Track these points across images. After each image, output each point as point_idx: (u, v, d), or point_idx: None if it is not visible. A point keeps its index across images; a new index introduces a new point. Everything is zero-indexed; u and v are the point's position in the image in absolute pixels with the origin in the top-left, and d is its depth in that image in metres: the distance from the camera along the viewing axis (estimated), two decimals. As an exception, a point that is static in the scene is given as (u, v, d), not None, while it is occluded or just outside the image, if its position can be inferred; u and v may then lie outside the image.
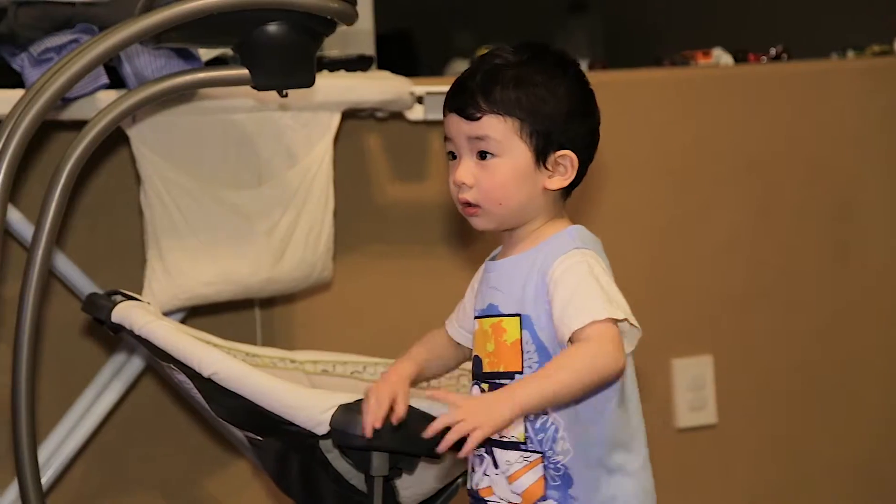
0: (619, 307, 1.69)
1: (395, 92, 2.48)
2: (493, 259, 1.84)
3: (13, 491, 2.29)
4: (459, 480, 2.02)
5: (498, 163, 1.75)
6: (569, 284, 1.70)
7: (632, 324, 1.70)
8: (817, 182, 3.01)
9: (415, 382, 1.89)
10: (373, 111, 2.58)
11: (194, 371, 1.95)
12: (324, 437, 1.87)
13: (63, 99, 2.11)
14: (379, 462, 1.86)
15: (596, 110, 1.81)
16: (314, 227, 2.43)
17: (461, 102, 1.76)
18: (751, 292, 2.97)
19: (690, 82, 2.95)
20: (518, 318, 1.75)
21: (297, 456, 1.96)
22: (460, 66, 3.11)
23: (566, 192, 1.80)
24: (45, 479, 2.33)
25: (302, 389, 1.95)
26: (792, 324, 3.00)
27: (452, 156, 1.79)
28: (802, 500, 3.03)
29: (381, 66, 2.66)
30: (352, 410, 1.85)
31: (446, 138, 1.79)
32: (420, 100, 2.55)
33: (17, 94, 2.05)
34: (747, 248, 2.97)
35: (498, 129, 1.74)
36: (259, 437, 2.00)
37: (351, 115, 2.54)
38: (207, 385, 1.95)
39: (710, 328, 2.95)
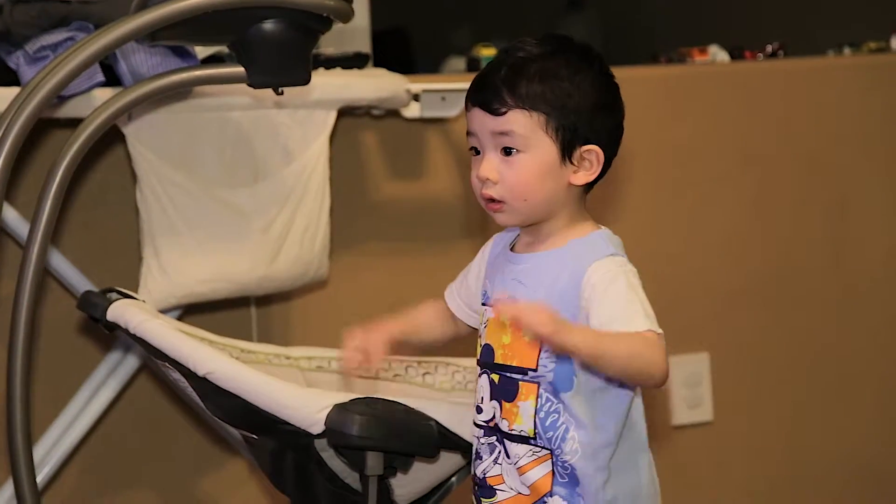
0: (655, 324, 1.69)
1: (392, 89, 2.48)
2: (513, 248, 1.82)
3: (8, 489, 2.28)
4: (454, 479, 2.02)
5: (523, 158, 1.73)
6: (611, 299, 1.69)
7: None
8: (814, 179, 3.01)
9: (397, 345, 1.88)
10: (369, 109, 2.57)
11: (189, 370, 1.95)
12: (319, 436, 1.87)
13: (59, 97, 2.11)
14: (373, 461, 1.86)
15: (621, 105, 1.79)
16: (310, 225, 2.43)
17: (486, 97, 1.74)
18: (747, 289, 2.97)
19: (687, 79, 2.95)
20: None
21: (293, 454, 1.96)
22: (457, 63, 3.11)
23: (587, 188, 1.79)
24: (41, 477, 2.33)
25: (297, 389, 1.95)
26: (788, 321, 3.00)
27: (476, 151, 1.77)
28: (799, 496, 3.03)
29: (377, 64, 2.66)
30: (347, 410, 1.85)
31: (469, 133, 1.77)
32: (416, 97, 2.55)
33: (13, 91, 2.05)
34: (743, 246, 2.97)
35: (523, 124, 1.72)
36: (254, 436, 2.00)
37: (347, 113, 2.54)
38: (203, 384, 1.95)
39: (706, 326, 2.95)
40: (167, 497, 2.59)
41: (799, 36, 3.38)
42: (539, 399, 1.73)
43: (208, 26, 2.01)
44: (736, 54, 3.02)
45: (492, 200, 1.75)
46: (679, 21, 4.52)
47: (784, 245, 2.99)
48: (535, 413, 1.73)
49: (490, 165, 1.74)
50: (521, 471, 1.75)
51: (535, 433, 1.74)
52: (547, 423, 1.73)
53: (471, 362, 2.20)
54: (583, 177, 1.75)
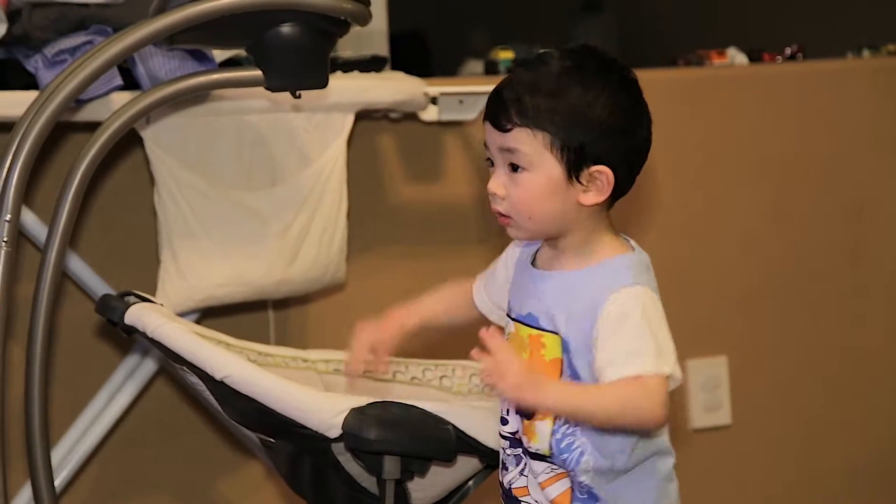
0: (667, 360, 1.66)
1: (409, 93, 2.48)
2: (534, 263, 1.80)
3: (26, 493, 2.29)
4: (471, 483, 2.01)
5: (527, 177, 1.71)
6: (620, 336, 1.66)
7: (674, 378, 1.67)
8: (832, 182, 3.00)
9: (414, 334, 1.89)
10: (386, 112, 2.57)
11: (207, 374, 1.95)
12: (336, 440, 1.87)
13: (77, 100, 2.11)
14: (391, 465, 1.86)
15: (640, 124, 1.74)
16: (327, 228, 2.43)
17: (494, 113, 1.72)
18: (765, 293, 2.96)
19: (705, 82, 2.95)
20: (559, 337, 1.71)
21: (310, 458, 1.96)
22: (474, 66, 3.11)
23: (610, 202, 1.75)
24: (59, 480, 2.33)
25: (314, 392, 1.95)
26: (806, 324, 3.00)
27: (491, 163, 1.75)
28: (816, 500, 3.02)
29: (394, 67, 2.66)
30: (364, 414, 1.85)
31: (485, 145, 1.75)
32: (434, 100, 2.55)
33: (31, 95, 2.05)
34: (761, 249, 2.96)
35: (527, 142, 1.70)
36: (271, 440, 2.00)
37: (364, 116, 2.54)
38: (220, 388, 1.95)
39: (724, 329, 2.94)
40: (184, 500, 2.59)
41: (818, 38, 3.37)
42: (557, 420, 1.72)
43: (226, 30, 2.01)
44: (754, 56, 3.01)
45: (501, 215, 1.75)
46: (697, 23, 4.52)
47: (802, 248, 2.99)
48: (552, 434, 1.73)
49: (498, 181, 1.73)
50: (542, 486, 1.75)
51: (550, 453, 1.73)
52: (562, 445, 1.73)
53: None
54: (593, 197, 1.71)
